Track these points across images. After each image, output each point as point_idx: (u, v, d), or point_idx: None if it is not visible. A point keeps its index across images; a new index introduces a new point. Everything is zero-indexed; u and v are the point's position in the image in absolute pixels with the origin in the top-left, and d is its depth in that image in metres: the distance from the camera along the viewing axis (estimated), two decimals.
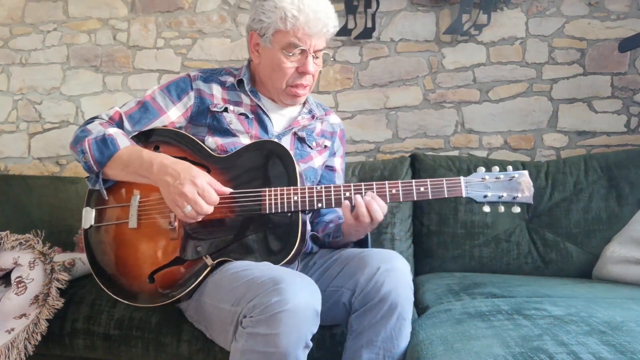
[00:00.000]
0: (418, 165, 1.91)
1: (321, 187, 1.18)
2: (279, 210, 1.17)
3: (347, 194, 1.17)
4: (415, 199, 1.17)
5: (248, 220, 1.19)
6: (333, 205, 1.18)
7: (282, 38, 1.25)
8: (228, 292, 1.07)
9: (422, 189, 1.16)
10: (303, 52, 1.27)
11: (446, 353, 0.93)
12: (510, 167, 1.21)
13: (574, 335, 0.93)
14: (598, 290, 1.44)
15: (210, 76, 1.37)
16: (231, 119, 1.32)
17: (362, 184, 1.18)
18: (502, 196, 1.17)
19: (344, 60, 2.18)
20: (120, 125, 1.28)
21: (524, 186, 1.17)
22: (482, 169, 1.19)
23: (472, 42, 2.11)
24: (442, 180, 1.17)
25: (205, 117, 1.32)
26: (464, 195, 1.17)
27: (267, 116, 1.35)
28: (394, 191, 1.17)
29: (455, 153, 2.13)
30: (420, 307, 1.42)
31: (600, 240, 1.70)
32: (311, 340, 1.01)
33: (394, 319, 1.09)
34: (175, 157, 1.20)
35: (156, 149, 1.28)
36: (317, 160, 1.40)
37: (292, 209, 1.17)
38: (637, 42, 1.83)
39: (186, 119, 1.34)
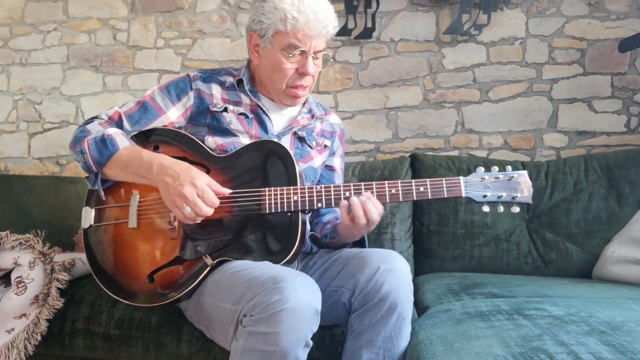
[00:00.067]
0: (418, 165, 1.91)
1: (321, 187, 1.18)
2: (279, 210, 1.17)
3: (347, 193, 1.17)
4: (415, 198, 1.17)
5: (248, 220, 1.19)
6: (333, 205, 1.18)
7: (282, 39, 1.25)
8: (228, 292, 1.07)
9: (421, 188, 1.17)
10: (303, 53, 1.27)
11: (446, 353, 0.93)
12: (509, 167, 1.21)
13: (574, 335, 0.93)
14: (598, 290, 1.44)
15: (209, 76, 1.37)
16: (231, 119, 1.32)
17: (362, 183, 1.18)
18: (502, 196, 1.17)
19: (344, 60, 2.18)
20: (119, 125, 1.28)
21: (523, 186, 1.17)
22: (481, 169, 1.19)
23: (472, 42, 2.11)
24: (442, 180, 1.17)
25: (204, 117, 1.32)
26: (463, 195, 1.17)
27: (267, 116, 1.35)
28: (393, 191, 1.17)
29: (455, 153, 2.13)
30: (420, 307, 1.42)
31: (600, 240, 1.70)
32: (311, 339, 1.01)
33: (394, 319, 1.09)
34: (174, 157, 1.20)
35: (156, 148, 1.28)
36: (317, 160, 1.40)
37: (292, 209, 1.17)
38: (637, 42, 1.83)
39: (186, 119, 1.34)
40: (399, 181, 1.18)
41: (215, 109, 1.32)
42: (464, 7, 2.02)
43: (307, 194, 1.17)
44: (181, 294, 1.18)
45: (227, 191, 1.18)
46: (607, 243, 1.68)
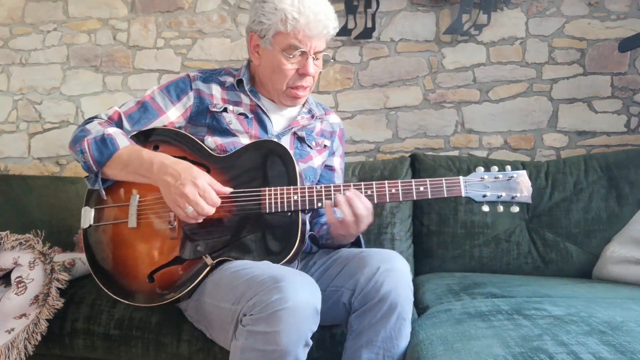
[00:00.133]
0: (418, 165, 1.91)
1: (321, 187, 1.18)
2: (279, 210, 1.17)
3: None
4: (414, 198, 1.17)
5: (248, 220, 1.19)
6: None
7: (283, 40, 1.25)
8: (228, 291, 1.07)
9: (421, 188, 1.17)
10: (303, 53, 1.27)
11: (446, 353, 0.93)
12: (508, 167, 1.21)
13: (574, 335, 0.93)
14: (598, 290, 1.44)
15: (209, 76, 1.37)
16: (230, 119, 1.32)
17: (362, 183, 1.18)
18: (501, 196, 1.17)
19: (344, 60, 2.18)
20: (119, 125, 1.28)
21: (523, 186, 1.17)
22: (480, 169, 1.20)
23: (472, 42, 2.11)
24: (442, 180, 1.17)
25: (204, 117, 1.32)
26: (463, 194, 1.17)
27: (267, 116, 1.35)
28: (393, 190, 1.17)
29: (455, 153, 2.13)
30: (420, 307, 1.42)
31: (600, 240, 1.70)
32: (311, 339, 1.01)
33: (394, 319, 1.09)
34: (175, 157, 1.20)
35: (156, 148, 1.28)
36: (317, 160, 1.40)
37: (292, 209, 1.17)
38: (637, 42, 1.83)
39: (185, 119, 1.34)
40: (399, 181, 1.18)
41: (215, 109, 1.32)
42: (464, 7, 2.02)
43: (307, 194, 1.17)
44: (181, 293, 1.18)
45: (227, 190, 1.18)
46: (607, 243, 1.68)
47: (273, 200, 1.17)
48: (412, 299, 1.13)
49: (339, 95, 2.20)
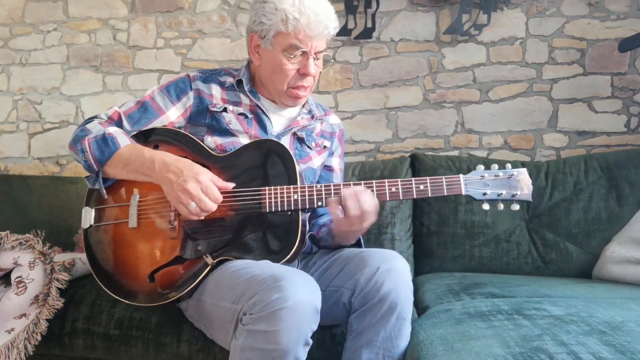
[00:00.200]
0: (418, 165, 1.91)
1: (321, 186, 1.18)
2: (279, 209, 1.17)
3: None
4: (415, 196, 1.17)
5: (248, 219, 1.20)
6: (330, 206, 1.17)
7: (283, 40, 1.25)
8: (228, 290, 1.07)
9: (421, 186, 1.17)
10: (304, 53, 1.27)
11: (446, 353, 0.93)
12: (509, 165, 1.20)
13: (574, 335, 0.93)
14: (598, 290, 1.44)
15: (209, 76, 1.37)
16: (230, 119, 1.32)
17: (362, 182, 1.18)
18: (501, 194, 1.17)
19: (344, 60, 2.18)
20: (119, 125, 1.28)
21: (523, 184, 1.17)
22: (481, 167, 1.19)
23: (472, 42, 2.11)
24: (442, 178, 1.17)
25: (204, 117, 1.32)
26: (463, 193, 1.17)
27: (267, 116, 1.35)
28: (393, 189, 1.17)
29: (455, 153, 2.13)
30: (420, 307, 1.42)
31: (600, 240, 1.70)
32: (311, 338, 1.01)
33: (394, 318, 1.09)
34: None
35: (156, 148, 1.28)
36: (316, 161, 1.40)
37: (292, 208, 1.17)
38: (637, 42, 1.83)
39: (185, 119, 1.34)
40: (399, 179, 1.18)
41: (214, 109, 1.32)
42: (464, 7, 2.02)
43: (307, 193, 1.17)
44: (181, 293, 1.18)
45: (230, 185, 1.18)
46: (607, 243, 1.68)
47: (273, 200, 1.17)
48: (412, 299, 1.13)
49: (339, 95, 2.20)
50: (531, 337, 0.93)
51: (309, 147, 1.39)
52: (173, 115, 1.32)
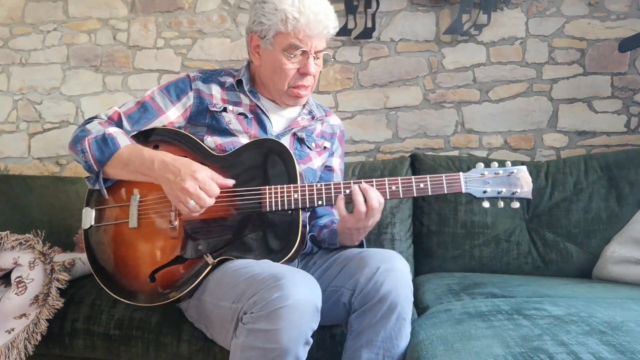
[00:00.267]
0: (418, 165, 1.91)
1: (321, 185, 1.18)
2: (279, 208, 1.17)
3: (347, 191, 1.17)
4: (415, 195, 1.17)
5: (248, 219, 1.20)
6: (333, 203, 1.18)
7: (283, 40, 1.26)
8: (229, 290, 1.07)
9: (421, 185, 1.17)
10: (304, 53, 1.27)
11: (446, 353, 0.93)
12: (508, 163, 1.20)
13: (574, 335, 0.93)
14: (598, 290, 1.44)
15: (209, 77, 1.37)
16: (230, 119, 1.32)
17: (362, 180, 1.18)
18: (501, 191, 1.17)
19: (344, 60, 2.18)
20: (119, 125, 1.28)
21: (523, 181, 1.17)
22: (481, 165, 1.19)
23: (472, 42, 2.11)
24: (442, 176, 1.17)
25: (204, 117, 1.32)
26: (463, 190, 1.17)
27: (266, 116, 1.35)
28: (393, 188, 1.17)
29: (455, 153, 2.13)
30: (420, 307, 1.42)
31: (600, 240, 1.70)
32: (311, 337, 1.01)
33: (394, 318, 1.09)
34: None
35: (156, 148, 1.28)
36: (316, 162, 1.40)
37: (292, 207, 1.17)
38: (637, 42, 1.83)
39: (185, 119, 1.34)
40: (399, 178, 1.18)
41: (214, 109, 1.32)
42: (464, 7, 2.02)
43: (307, 192, 1.17)
44: (182, 293, 1.18)
45: (230, 182, 1.19)
46: (607, 243, 1.68)
47: (273, 199, 1.17)
48: (412, 299, 1.13)
49: (339, 95, 2.20)
50: (531, 337, 0.93)
51: (309, 147, 1.38)
52: (173, 115, 1.32)
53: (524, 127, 2.11)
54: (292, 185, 1.18)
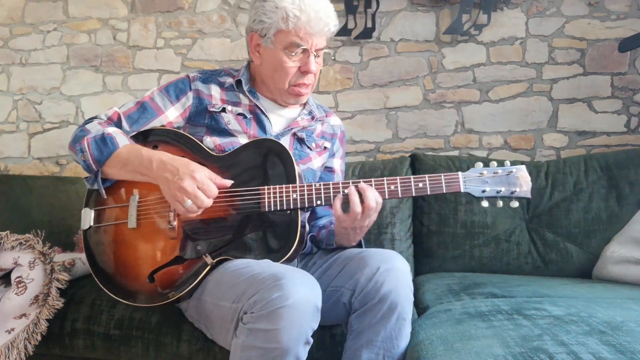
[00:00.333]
0: (418, 165, 1.91)
1: (320, 184, 1.18)
2: (278, 208, 1.17)
3: (346, 191, 1.17)
4: (413, 194, 1.17)
5: (247, 219, 1.20)
6: (332, 202, 1.18)
7: (284, 38, 1.26)
8: (229, 290, 1.07)
9: (420, 184, 1.17)
10: (305, 51, 1.27)
11: (446, 353, 0.93)
12: (507, 162, 1.20)
13: (574, 335, 0.93)
14: (598, 290, 1.44)
15: (209, 77, 1.37)
16: (229, 119, 1.32)
17: (361, 180, 1.18)
18: (500, 191, 1.17)
19: (344, 60, 2.18)
20: (118, 125, 1.28)
21: (522, 181, 1.17)
22: (480, 164, 1.19)
23: (472, 42, 2.11)
24: (440, 175, 1.17)
25: (203, 117, 1.32)
26: (462, 190, 1.17)
27: (266, 116, 1.35)
28: (392, 187, 1.17)
29: (455, 153, 2.13)
30: (420, 307, 1.42)
31: (600, 240, 1.70)
32: (311, 337, 1.01)
33: (394, 319, 1.09)
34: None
35: (155, 148, 1.28)
36: (316, 162, 1.40)
37: (291, 207, 1.17)
38: (637, 42, 1.83)
39: (184, 119, 1.34)
40: (398, 177, 1.18)
41: (213, 109, 1.32)
42: (464, 7, 2.02)
43: (306, 192, 1.17)
44: (181, 293, 1.18)
45: (228, 182, 1.18)
46: (607, 243, 1.68)
47: (272, 199, 1.17)
48: (412, 299, 1.13)
49: (339, 95, 2.20)
50: (531, 337, 0.93)
51: (309, 147, 1.38)
52: (172, 115, 1.32)
53: (524, 127, 2.11)
54: (290, 185, 1.18)
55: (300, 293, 0.98)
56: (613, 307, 1.13)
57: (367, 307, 1.11)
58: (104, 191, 1.25)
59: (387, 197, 1.17)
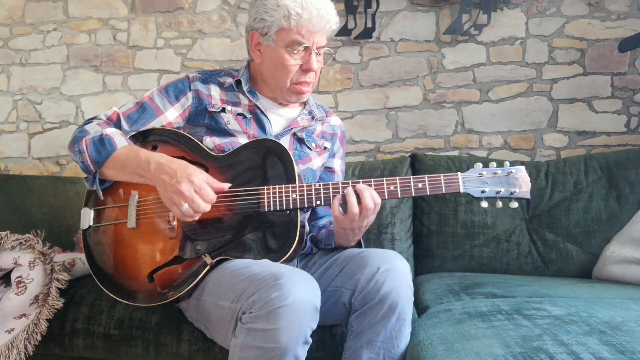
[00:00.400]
0: (418, 165, 1.91)
1: (319, 185, 1.18)
2: (277, 208, 1.17)
3: (345, 191, 1.17)
4: (413, 194, 1.17)
5: (247, 219, 1.19)
6: (331, 203, 1.17)
7: (286, 36, 1.26)
8: (228, 289, 1.07)
9: (419, 185, 1.16)
10: (306, 49, 1.27)
11: (446, 353, 0.93)
12: (507, 163, 1.20)
13: (574, 335, 0.93)
14: (598, 290, 1.44)
15: (209, 77, 1.37)
16: (229, 119, 1.32)
17: (360, 180, 1.18)
18: (500, 191, 1.17)
19: (344, 60, 2.18)
20: (118, 125, 1.28)
21: (522, 181, 1.16)
22: (479, 165, 1.19)
23: (472, 42, 2.11)
24: (440, 176, 1.17)
25: (203, 117, 1.32)
26: (461, 190, 1.17)
27: (265, 116, 1.35)
28: (392, 187, 1.17)
29: (455, 153, 2.13)
30: (420, 307, 1.42)
31: (600, 240, 1.70)
32: (310, 337, 1.01)
33: (394, 319, 1.09)
34: (173, 157, 1.19)
35: (154, 148, 1.28)
36: (316, 162, 1.40)
37: (291, 207, 1.17)
38: (637, 42, 1.83)
39: (184, 120, 1.34)
40: (397, 177, 1.18)
41: (213, 110, 1.32)
42: (464, 7, 2.02)
43: (305, 192, 1.17)
44: (181, 293, 1.18)
45: (226, 186, 1.18)
46: (607, 243, 1.68)
47: (272, 199, 1.17)
48: (412, 299, 1.13)
49: (339, 95, 2.20)
50: (531, 337, 0.93)
51: (309, 147, 1.38)
52: (171, 115, 1.32)
53: (524, 127, 2.11)
54: (290, 185, 1.18)
55: (299, 293, 0.98)
56: (613, 307, 1.13)
57: (367, 307, 1.11)
58: (101, 193, 1.25)
59: (386, 198, 1.17)
